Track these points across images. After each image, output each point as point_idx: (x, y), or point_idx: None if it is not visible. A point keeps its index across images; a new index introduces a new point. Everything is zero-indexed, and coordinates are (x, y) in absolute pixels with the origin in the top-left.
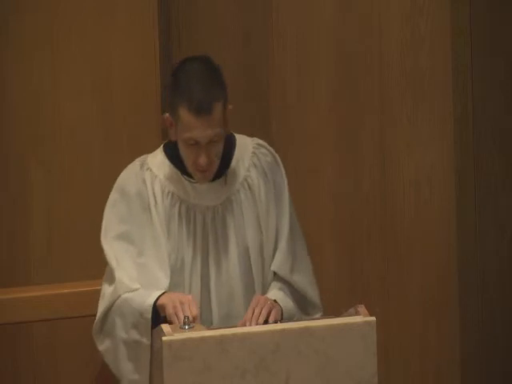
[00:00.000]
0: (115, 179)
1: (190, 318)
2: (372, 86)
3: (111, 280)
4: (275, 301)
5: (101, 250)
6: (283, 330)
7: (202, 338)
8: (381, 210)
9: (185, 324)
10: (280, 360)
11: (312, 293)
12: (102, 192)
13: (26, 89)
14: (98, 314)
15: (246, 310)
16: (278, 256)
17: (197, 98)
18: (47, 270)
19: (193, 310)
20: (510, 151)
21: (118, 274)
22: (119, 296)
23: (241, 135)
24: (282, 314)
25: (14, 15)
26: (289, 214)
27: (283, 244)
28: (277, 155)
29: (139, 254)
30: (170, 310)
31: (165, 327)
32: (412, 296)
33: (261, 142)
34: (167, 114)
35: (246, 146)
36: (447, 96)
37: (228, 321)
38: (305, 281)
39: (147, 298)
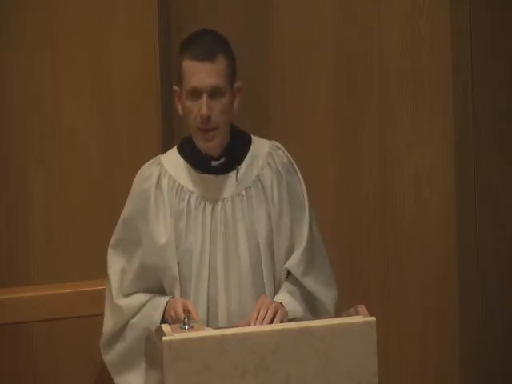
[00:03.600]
0: (115, 179)
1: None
2: (372, 86)
3: (110, 293)
4: (281, 304)
5: (100, 250)
6: (283, 330)
7: (202, 338)
8: (381, 210)
9: (185, 324)
10: (280, 360)
11: (325, 296)
12: (102, 192)
13: (26, 89)
14: (107, 333)
15: (255, 301)
16: (295, 256)
17: (200, 46)
18: (47, 270)
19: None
20: (510, 151)
21: (116, 294)
22: (127, 323)
23: (258, 137)
24: (286, 316)
25: (14, 15)
26: (309, 220)
27: (301, 247)
28: (293, 160)
29: (145, 254)
30: (171, 313)
31: (165, 327)
32: (412, 296)
33: (278, 144)
34: (175, 86)
35: (263, 146)
36: (447, 96)
37: (236, 312)
38: (318, 284)
39: (154, 315)
